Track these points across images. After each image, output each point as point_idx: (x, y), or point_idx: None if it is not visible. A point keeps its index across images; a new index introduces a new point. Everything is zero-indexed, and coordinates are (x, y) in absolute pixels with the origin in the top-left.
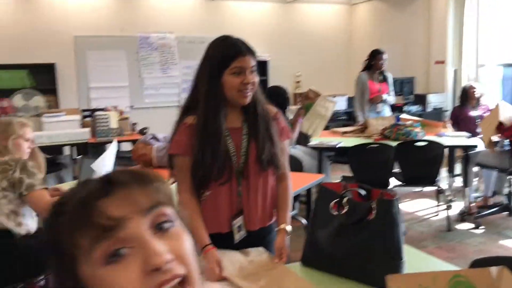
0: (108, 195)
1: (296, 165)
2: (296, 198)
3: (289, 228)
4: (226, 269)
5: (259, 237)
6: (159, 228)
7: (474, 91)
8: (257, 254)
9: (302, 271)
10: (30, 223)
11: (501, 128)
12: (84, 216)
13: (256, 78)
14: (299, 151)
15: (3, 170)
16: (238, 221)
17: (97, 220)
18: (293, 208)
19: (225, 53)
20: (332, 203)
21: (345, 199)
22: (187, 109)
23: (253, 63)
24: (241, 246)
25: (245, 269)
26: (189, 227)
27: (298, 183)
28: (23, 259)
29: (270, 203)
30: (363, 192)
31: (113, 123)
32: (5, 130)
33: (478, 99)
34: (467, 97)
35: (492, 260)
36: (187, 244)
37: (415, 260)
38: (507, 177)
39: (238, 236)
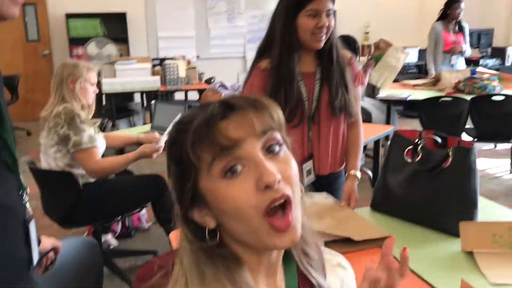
0: (227, 117)
1: (366, 116)
2: (364, 149)
3: (358, 174)
4: None
5: (327, 183)
6: (269, 150)
7: None
8: (321, 197)
9: (370, 215)
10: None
11: None
12: (207, 134)
13: (332, 22)
14: (367, 104)
15: (55, 125)
16: (308, 165)
17: (218, 139)
18: (361, 160)
19: None
20: (406, 150)
21: (419, 147)
22: (261, 52)
23: (330, 6)
24: (314, 188)
25: (308, 209)
26: None
27: (366, 134)
28: (85, 206)
29: (341, 149)
30: (439, 139)
31: (181, 72)
32: (72, 73)
33: None
34: None
35: None
36: (294, 167)
37: (489, 211)
38: None
39: (307, 180)
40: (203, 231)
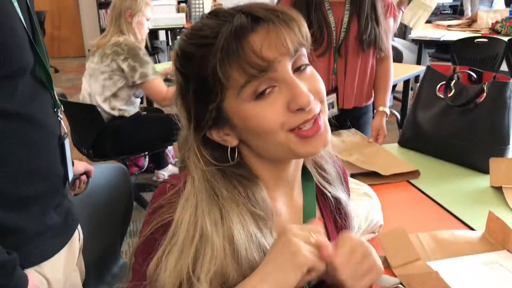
0: (255, 30)
1: (396, 56)
2: (392, 90)
3: (387, 110)
4: None
5: (353, 117)
6: (298, 69)
7: None
8: (349, 134)
9: (398, 152)
10: (127, 108)
11: None
12: (237, 50)
13: None
14: (398, 44)
15: (114, 53)
16: (331, 98)
17: (252, 59)
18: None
19: None
20: (439, 85)
21: (453, 82)
22: None
23: None
24: (332, 125)
25: (336, 146)
26: None
27: (395, 74)
28: (113, 137)
29: (368, 85)
30: (474, 75)
31: (207, 9)
32: (130, 7)
33: None
34: None
35: None
36: (320, 81)
37: None
38: None
39: (329, 113)
40: (221, 151)
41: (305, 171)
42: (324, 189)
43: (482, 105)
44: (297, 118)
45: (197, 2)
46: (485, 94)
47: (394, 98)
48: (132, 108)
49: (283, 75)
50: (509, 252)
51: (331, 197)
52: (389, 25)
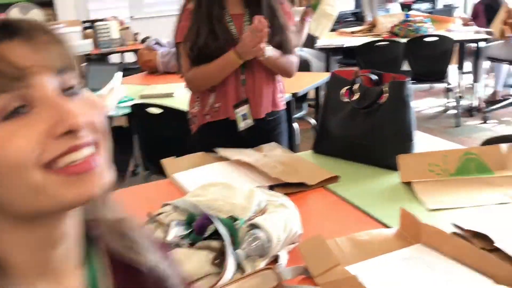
0: (12, 39)
1: (305, 65)
2: (304, 99)
3: (271, 53)
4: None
5: (268, 127)
6: (69, 90)
7: None
8: (270, 148)
9: (314, 158)
10: None
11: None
12: None
13: None
14: (306, 53)
15: None
16: (243, 110)
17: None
18: (302, 109)
19: None
20: (343, 90)
21: (356, 85)
22: None
23: None
24: (250, 137)
25: (261, 160)
26: (214, 72)
27: (306, 82)
28: None
29: (277, 90)
30: (374, 77)
31: (114, 34)
32: None
33: None
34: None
35: (503, 139)
36: (100, 113)
37: (425, 144)
38: None
39: (243, 124)
40: None
41: (91, 247)
42: (132, 265)
43: (384, 105)
44: (61, 145)
45: (103, 27)
46: (386, 94)
47: (309, 105)
48: None
49: (44, 92)
50: (423, 246)
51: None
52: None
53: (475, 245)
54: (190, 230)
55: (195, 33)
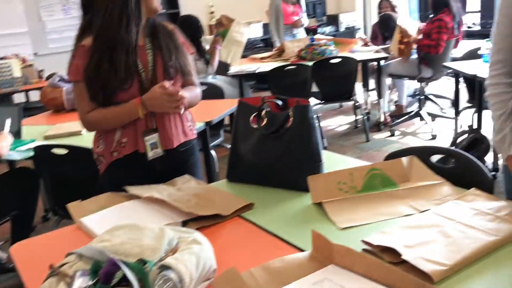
0: None
1: (218, 93)
2: (220, 126)
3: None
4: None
5: (180, 159)
6: None
7: (391, 2)
8: (184, 181)
9: (228, 187)
10: None
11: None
12: None
13: None
14: (220, 81)
15: None
16: (152, 138)
17: None
18: (219, 136)
19: None
20: (251, 117)
21: (263, 112)
22: (83, 32)
23: None
24: (162, 169)
25: (174, 195)
26: (114, 119)
27: (220, 109)
28: None
29: (185, 120)
30: (279, 102)
31: (16, 72)
32: None
33: (393, 8)
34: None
35: (404, 152)
36: None
37: (335, 163)
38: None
39: (152, 154)
40: None
41: None
42: None
43: (291, 129)
44: None
45: (3, 65)
46: (291, 118)
47: (226, 131)
48: None
49: None
50: (335, 266)
51: None
52: (190, 58)
53: (384, 260)
54: (96, 279)
55: (94, 69)
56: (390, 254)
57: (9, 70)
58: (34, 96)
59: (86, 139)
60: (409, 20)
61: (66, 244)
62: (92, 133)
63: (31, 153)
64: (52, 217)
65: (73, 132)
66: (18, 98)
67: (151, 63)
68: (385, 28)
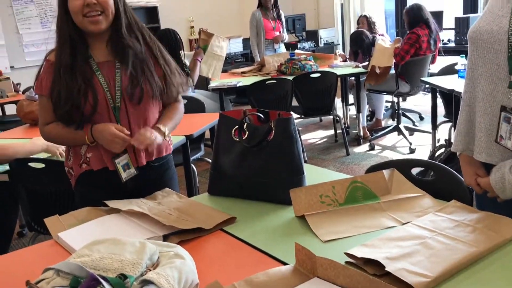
0: None
1: (199, 107)
2: (201, 140)
3: (166, 130)
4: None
5: (155, 174)
6: None
7: (370, 19)
8: (164, 195)
9: (210, 201)
10: None
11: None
12: None
13: (108, 0)
14: (200, 95)
15: None
16: (123, 160)
17: None
18: (200, 150)
19: None
20: (233, 130)
21: (245, 125)
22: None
23: None
24: (136, 187)
25: (154, 208)
26: (65, 139)
27: (200, 123)
28: None
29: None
30: (261, 115)
31: None
32: None
33: (373, 25)
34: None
35: (384, 165)
36: None
37: (316, 176)
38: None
39: (126, 175)
40: None
41: None
42: None
43: (273, 141)
44: None
45: None
46: (273, 131)
47: (206, 145)
48: None
49: None
50: (319, 279)
51: None
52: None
53: (368, 272)
54: None
55: (57, 86)
56: (373, 266)
57: None
58: (10, 109)
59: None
60: (387, 38)
61: (44, 260)
62: None
63: (7, 167)
64: (27, 233)
65: None
66: None
67: (119, 83)
68: (356, 44)
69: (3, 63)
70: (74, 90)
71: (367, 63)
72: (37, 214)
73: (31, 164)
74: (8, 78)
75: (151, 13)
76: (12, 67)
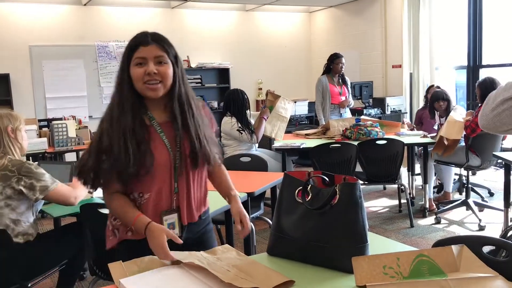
0: None
1: (261, 165)
2: (261, 198)
3: (238, 193)
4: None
5: (195, 232)
6: None
7: (441, 106)
8: (224, 250)
9: (268, 261)
10: (29, 230)
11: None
12: None
13: (167, 69)
14: (263, 154)
15: (4, 177)
16: (171, 218)
17: None
18: (259, 208)
19: (130, 44)
20: (296, 191)
21: (309, 186)
22: None
23: (159, 53)
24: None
25: (214, 264)
26: (116, 214)
27: (262, 181)
28: (20, 264)
29: (204, 194)
30: (326, 178)
31: (71, 132)
32: (10, 123)
33: (446, 111)
34: (433, 105)
35: (453, 240)
36: None
37: (379, 245)
38: (464, 171)
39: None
40: None
41: None
42: None
43: (336, 206)
44: None
45: (59, 126)
46: (338, 195)
47: (265, 204)
48: (32, 229)
49: None
50: None
51: None
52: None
53: None
54: None
55: (118, 149)
56: None
57: (64, 130)
58: None
59: None
60: (461, 110)
61: None
62: None
63: (77, 209)
64: (88, 276)
65: None
66: (69, 157)
67: (179, 143)
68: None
69: (83, 113)
70: (117, 154)
71: (435, 134)
72: (99, 259)
73: (101, 210)
74: (86, 127)
75: (223, 74)
76: (90, 117)
